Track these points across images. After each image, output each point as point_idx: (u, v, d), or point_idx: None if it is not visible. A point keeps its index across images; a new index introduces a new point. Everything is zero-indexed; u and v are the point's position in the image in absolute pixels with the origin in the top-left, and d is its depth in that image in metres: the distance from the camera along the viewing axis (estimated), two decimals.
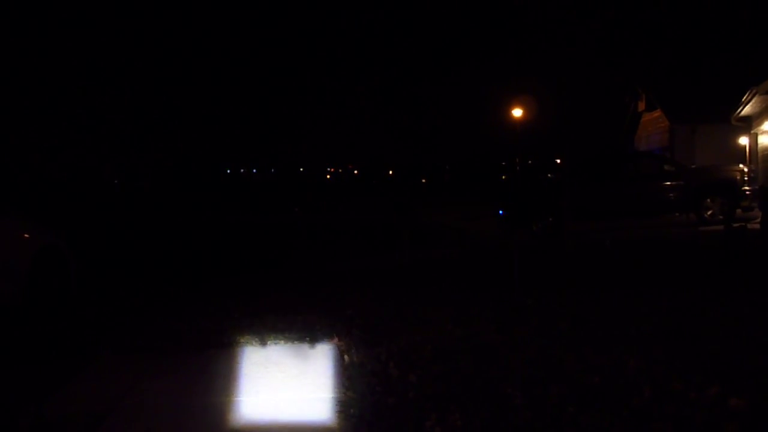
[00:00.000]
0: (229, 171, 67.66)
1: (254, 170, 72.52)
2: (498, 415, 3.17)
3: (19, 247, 6.13)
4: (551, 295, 5.94)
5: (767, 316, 4.64)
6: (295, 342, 5.01)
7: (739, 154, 20.80)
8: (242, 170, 71.37)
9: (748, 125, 18.63)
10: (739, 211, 13.20)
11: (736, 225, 9.70)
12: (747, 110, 16.63)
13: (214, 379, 4.13)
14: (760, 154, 17.62)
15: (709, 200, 13.21)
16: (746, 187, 13.30)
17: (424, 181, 66.07)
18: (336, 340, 4.93)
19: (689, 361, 3.78)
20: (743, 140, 20.62)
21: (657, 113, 26.09)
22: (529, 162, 54.63)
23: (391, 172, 72.81)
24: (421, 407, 3.33)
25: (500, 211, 14.59)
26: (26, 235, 6.26)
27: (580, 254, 9.40)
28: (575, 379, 3.59)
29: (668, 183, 13.54)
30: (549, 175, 33.10)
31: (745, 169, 14.00)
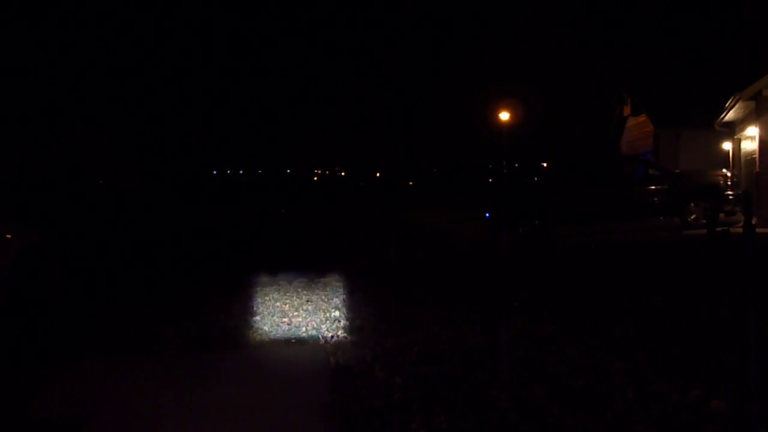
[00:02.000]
0: (215, 172, 67.46)
1: (241, 171, 72.35)
2: (483, 417, 3.18)
3: (1, 248, 6.05)
4: (537, 298, 5.97)
5: (748, 320, 4.69)
6: (281, 344, 5.00)
7: (723, 159, 21.03)
8: (229, 171, 71.17)
9: (732, 131, 18.84)
10: (722, 215, 13.35)
11: (719, 229, 9.80)
12: (730, 116, 16.80)
13: (199, 381, 4.11)
14: (743, 160, 17.82)
15: (693, 204, 13.35)
16: (729, 192, 13.45)
17: (411, 183, 66.22)
18: (322, 341, 4.92)
19: (672, 364, 3.82)
20: (726, 145, 20.85)
21: (642, 118, 26.32)
22: (516, 165, 54.94)
23: (378, 175, 72.88)
24: (406, 409, 3.33)
25: (487, 214, 14.65)
26: (8, 236, 6.18)
27: (566, 257, 9.46)
28: (560, 381, 3.61)
29: (653, 187, 13.66)
30: (535, 178, 33.28)
31: (729, 174, 14.15)
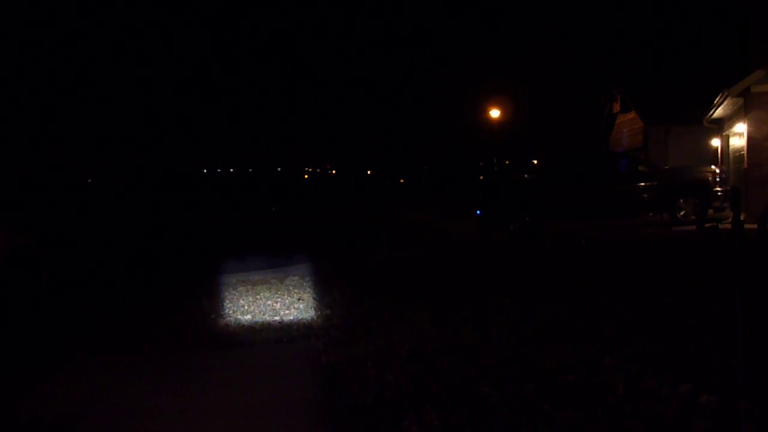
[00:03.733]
0: (205, 170, 67.19)
1: (231, 169, 72.13)
2: (474, 414, 3.19)
3: None
4: (527, 295, 5.99)
5: (737, 315, 4.73)
6: (273, 343, 4.99)
7: (711, 155, 21.18)
8: (219, 170, 70.92)
9: (720, 127, 18.97)
10: (711, 211, 13.44)
11: (708, 225, 9.87)
12: (719, 112, 16.91)
13: (189, 381, 4.10)
14: (731, 156, 17.95)
15: (682, 201, 13.44)
16: (718, 188, 13.55)
17: (402, 181, 66.30)
18: (313, 340, 4.91)
19: (662, 359, 3.84)
20: (715, 142, 20.99)
21: (631, 115, 26.46)
22: (507, 162, 55.06)
23: (369, 172, 72.89)
24: (398, 407, 3.33)
25: (478, 211, 14.69)
26: None
27: (557, 254, 9.49)
28: (551, 377, 3.62)
29: (642, 184, 13.74)
30: (526, 175, 33.39)
31: (717, 170, 14.25)
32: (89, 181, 46.05)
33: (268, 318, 5.73)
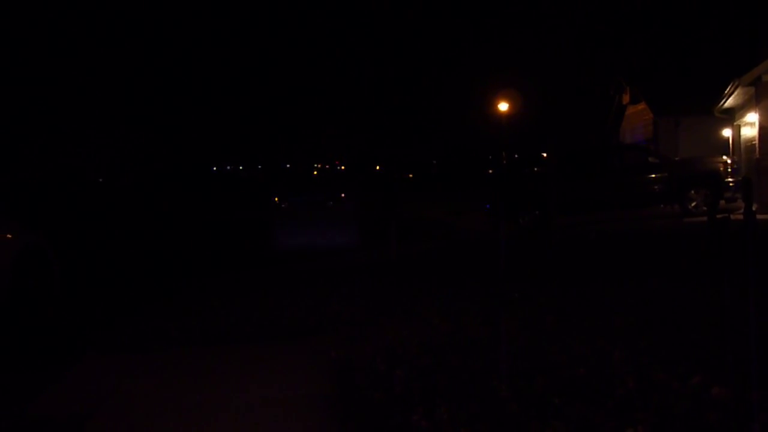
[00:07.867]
0: (215, 168, 67.42)
1: (240, 167, 72.34)
2: (484, 408, 3.18)
3: (1, 247, 6.05)
4: (538, 288, 5.97)
5: (749, 306, 4.68)
6: (282, 339, 5.00)
7: (722, 145, 20.97)
8: (228, 167, 71.14)
9: (731, 117, 18.78)
10: (722, 202, 13.33)
11: (719, 216, 9.78)
12: (730, 102, 16.74)
13: (199, 377, 4.12)
14: (742, 146, 17.78)
15: (693, 192, 13.33)
16: (729, 179, 13.43)
17: (411, 176, 66.20)
18: (323, 335, 4.92)
19: (673, 352, 3.81)
20: (726, 132, 20.79)
21: (641, 106, 26.25)
22: (516, 156, 54.76)
23: (377, 168, 72.85)
24: (407, 401, 3.33)
25: (487, 205, 14.66)
26: (8, 235, 6.19)
27: (566, 247, 9.45)
28: (561, 371, 3.61)
29: (653, 175, 13.65)
30: (535, 168, 33.23)
31: (728, 161, 14.13)
32: (100, 180, 46.30)
33: (276, 314, 5.75)
